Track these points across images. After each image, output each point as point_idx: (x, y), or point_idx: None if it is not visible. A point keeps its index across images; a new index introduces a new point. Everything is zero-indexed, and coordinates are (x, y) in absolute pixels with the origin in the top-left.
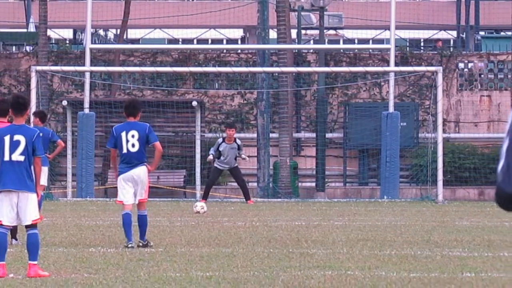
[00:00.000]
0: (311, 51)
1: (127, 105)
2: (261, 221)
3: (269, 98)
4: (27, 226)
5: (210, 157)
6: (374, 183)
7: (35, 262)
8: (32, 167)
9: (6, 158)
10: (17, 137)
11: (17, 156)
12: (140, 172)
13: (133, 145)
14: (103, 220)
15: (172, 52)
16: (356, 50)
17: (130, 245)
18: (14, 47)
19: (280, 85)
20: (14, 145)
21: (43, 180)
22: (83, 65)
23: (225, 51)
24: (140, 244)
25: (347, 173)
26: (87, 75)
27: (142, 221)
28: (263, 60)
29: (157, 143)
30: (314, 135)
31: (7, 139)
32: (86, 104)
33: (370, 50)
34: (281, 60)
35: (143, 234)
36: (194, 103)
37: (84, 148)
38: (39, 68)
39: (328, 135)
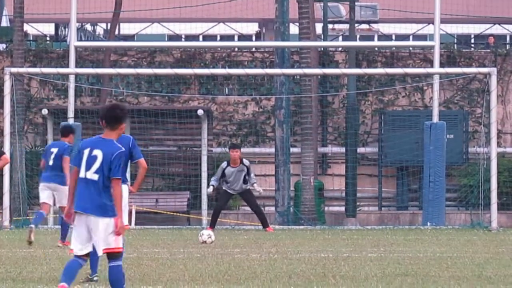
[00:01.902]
0: (340, 49)
1: (104, 113)
2: (280, 253)
3: (289, 106)
4: (108, 257)
5: (210, 189)
6: (415, 207)
7: None
8: (110, 189)
9: (81, 174)
10: (95, 151)
11: (92, 174)
12: (123, 191)
13: None
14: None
15: (174, 51)
16: (394, 48)
17: (95, 278)
18: None
19: (302, 90)
20: (90, 161)
21: None
22: (67, 66)
23: (236, 49)
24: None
25: (382, 195)
26: (72, 78)
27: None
28: (282, 60)
29: (142, 160)
30: (343, 149)
31: (86, 152)
32: (71, 113)
33: (411, 48)
34: (303, 60)
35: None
36: (200, 112)
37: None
38: (14, 70)
39: (360, 149)
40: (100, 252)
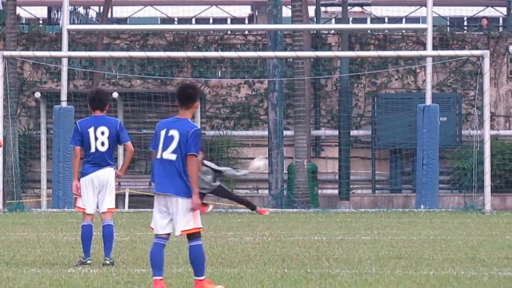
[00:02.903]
0: (333, 32)
1: (93, 96)
2: (273, 236)
3: (282, 89)
4: (188, 237)
5: None
6: (409, 189)
7: (201, 278)
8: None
9: (158, 155)
10: (172, 132)
11: (169, 154)
12: (109, 174)
13: (102, 144)
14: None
15: (166, 34)
16: (387, 31)
17: (88, 261)
18: None
19: (295, 72)
20: (167, 141)
21: None
22: (60, 49)
23: (229, 32)
24: (107, 262)
25: (376, 178)
26: (65, 61)
27: (109, 233)
28: (275, 43)
29: (129, 143)
30: (336, 132)
31: (162, 133)
32: (64, 96)
33: (403, 31)
34: (296, 43)
35: (109, 250)
36: None
37: (61, 149)
38: (6, 53)
39: (353, 132)
40: (178, 233)
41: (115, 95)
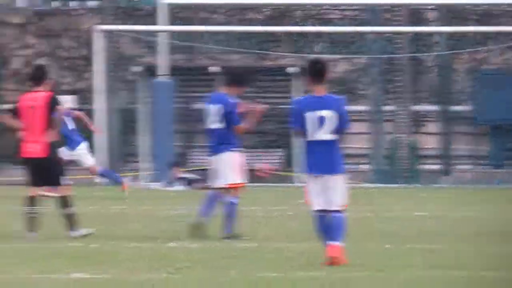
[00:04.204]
0: (431, 7)
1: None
2: (373, 211)
3: (382, 64)
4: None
5: None
6: (511, 166)
7: (337, 243)
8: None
9: (310, 137)
10: (322, 112)
11: (325, 135)
12: (232, 157)
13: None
14: (187, 208)
15: (264, 8)
16: (487, 6)
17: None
18: (74, 2)
19: (394, 48)
20: (319, 122)
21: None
22: (156, 24)
23: (326, 7)
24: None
25: (478, 154)
26: (163, 36)
27: (227, 210)
28: (374, 18)
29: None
30: (436, 108)
31: (309, 115)
32: (163, 71)
33: (505, 6)
34: (395, 18)
35: (228, 226)
36: (290, 70)
37: (160, 124)
38: (104, 27)
39: (454, 108)
40: (335, 207)
41: (214, 69)
